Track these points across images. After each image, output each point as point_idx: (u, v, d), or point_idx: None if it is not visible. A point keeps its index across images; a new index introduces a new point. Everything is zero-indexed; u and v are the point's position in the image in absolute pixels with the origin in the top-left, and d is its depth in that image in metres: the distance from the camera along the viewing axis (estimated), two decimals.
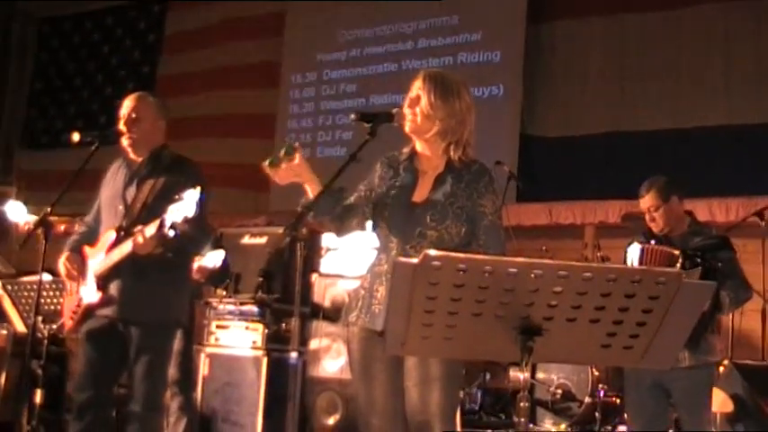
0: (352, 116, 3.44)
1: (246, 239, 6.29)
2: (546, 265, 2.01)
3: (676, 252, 4.23)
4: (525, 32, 8.80)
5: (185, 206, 3.79)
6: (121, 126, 4.31)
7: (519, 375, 2.10)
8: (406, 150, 3.51)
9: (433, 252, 2.01)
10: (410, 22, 9.61)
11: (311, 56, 10.18)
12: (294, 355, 3.48)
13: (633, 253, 4.35)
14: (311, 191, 3.34)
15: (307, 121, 10.12)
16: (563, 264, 2.01)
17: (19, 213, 9.13)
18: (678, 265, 4.16)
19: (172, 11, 11.37)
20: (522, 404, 2.15)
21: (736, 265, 4.38)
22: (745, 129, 7.53)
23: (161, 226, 3.86)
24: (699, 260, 4.15)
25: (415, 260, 2.04)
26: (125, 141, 4.32)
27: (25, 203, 9.60)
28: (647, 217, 4.51)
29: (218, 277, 5.75)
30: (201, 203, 3.84)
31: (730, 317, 5.87)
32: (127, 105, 4.36)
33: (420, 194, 3.38)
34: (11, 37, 12.60)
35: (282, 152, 3.29)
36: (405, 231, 3.31)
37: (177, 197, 3.83)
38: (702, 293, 2.11)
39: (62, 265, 4.33)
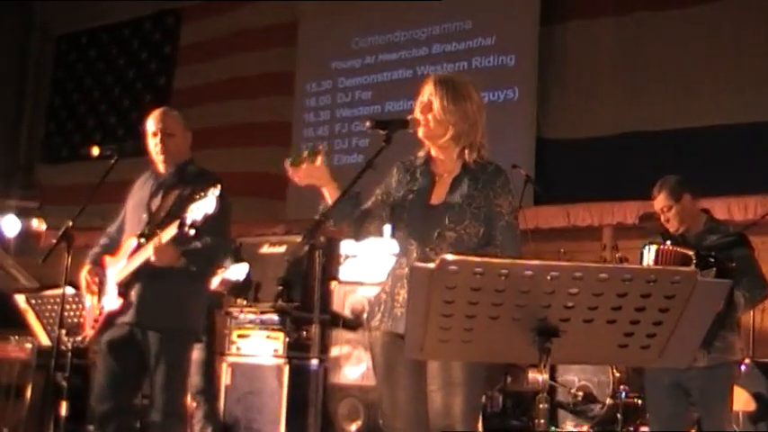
0: (367, 124, 3.46)
1: (265, 249, 6.34)
2: (561, 266, 2.03)
3: (690, 253, 4.24)
4: (539, 35, 8.81)
5: (205, 203, 3.84)
6: (158, 142, 4.34)
7: (538, 377, 2.12)
8: (421, 155, 3.53)
9: (449, 257, 2.04)
10: (423, 27, 9.62)
11: (325, 64, 10.22)
12: (315, 362, 3.51)
13: (648, 254, 4.36)
14: (329, 196, 3.38)
15: (323, 129, 10.16)
16: (578, 265, 2.03)
17: (41, 227, 9.25)
18: (692, 265, 4.17)
19: (186, 22, 11.46)
20: (540, 405, 2.17)
21: (753, 262, 4.36)
22: (761, 126, 7.50)
23: (182, 224, 3.90)
24: (712, 260, 4.15)
25: (432, 265, 2.07)
26: (159, 157, 4.37)
27: (47, 217, 9.72)
28: (662, 217, 4.52)
29: (241, 289, 5.80)
30: (222, 205, 3.88)
31: (751, 315, 5.86)
32: (156, 122, 4.40)
33: (437, 197, 3.41)
34: (28, 53, 12.74)
35: (306, 153, 3.36)
36: (424, 233, 3.34)
37: (198, 196, 3.87)
38: (717, 292, 2.13)
39: (83, 278, 4.39)
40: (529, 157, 8.61)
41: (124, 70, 11.83)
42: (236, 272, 5.44)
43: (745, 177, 7.34)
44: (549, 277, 2.04)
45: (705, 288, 2.06)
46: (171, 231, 3.98)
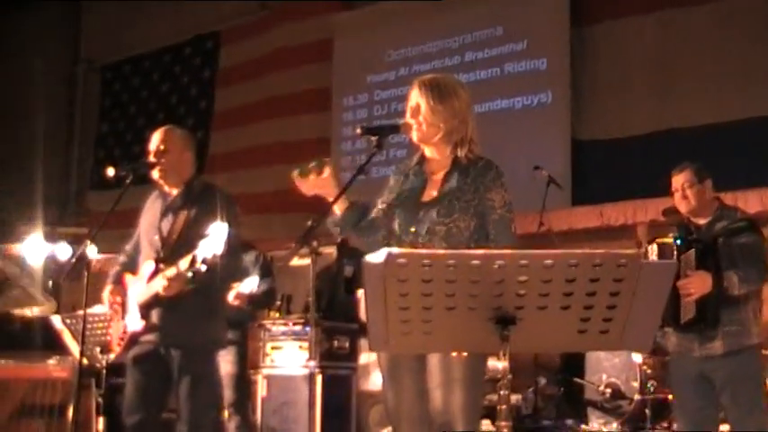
0: (358, 130, 3.54)
1: (295, 261, 6.41)
2: (506, 255, 2.08)
3: (669, 240, 4.39)
4: (570, 36, 8.81)
5: (214, 243, 3.94)
6: (151, 158, 4.49)
7: (497, 365, 2.16)
8: (415, 157, 3.60)
9: (395, 250, 2.10)
10: (455, 36, 9.68)
11: (361, 78, 10.34)
12: (312, 363, 3.60)
13: (652, 253, 4.44)
14: (338, 208, 3.47)
15: (360, 143, 10.23)
16: (522, 253, 2.08)
17: (93, 253, 9.47)
18: (674, 250, 4.25)
19: (225, 44, 11.68)
20: (502, 392, 2.21)
21: (757, 249, 4.32)
22: None
23: (193, 262, 4.01)
24: (693, 243, 4.20)
25: (380, 259, 2.13)
26: (155, 173, 4.50)
27: (97, 243, 9.93)
28: (679, 195, 4.53)
29: (262, 301, 5.90)
30: (230, 238, 3.99)
31: None
32: (155, 138, 4.57)
33: (428, 195, 3.47)
34: (76, 83, 13.12)
35: (313, 164, 3.45)
36: (415, 231, 3.39)
37: (206, 233, 3.97)
38: (665, 272, 2.15)
39: (105, 297, 4.54)
40: (565, 159, 8.62)
41: (167, 96, 12.10)
42: (248, 285, 5.53)
43: None
44: (495, 266, 2.09)
45: (651, 269, 2.10)
46: (183, 264, 4.08)
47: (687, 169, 4.54)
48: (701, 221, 4.49)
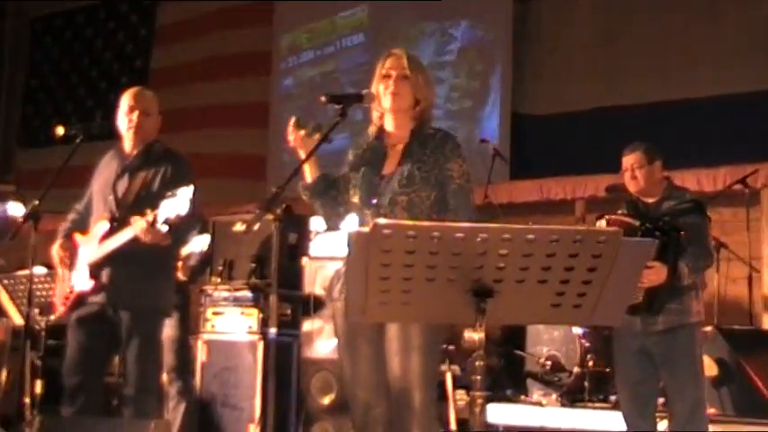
0: (323, 98, 3.55)
1: (238, 226, 6.33)
2: (490, 228, 2.10)
3: (636, 223, 4.32)
4: (513, 11, 8.86)
5: (179, 203, 3.89)
6: (133, 119, 4.37)
7: (473, 336, 2.19)
8: (372, 129, 3.62)
9: (382, 221, 2.11)
10: (399, 5, 9.66)
11: (302, 43, 10.26)
12: (273, 330, 3.64)
13: (601, 227, 4.45)
14: (310, 173, 3.56)
15: (299, 107, 10.16)
16: (506, 227, 2.10)
17: (18, 212, 9.26)
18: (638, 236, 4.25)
19: (162, 3, 11.44)
20: (477, 363, 2.24)
21: (703, 231, 4.41)
22: (731, 98, 7.55)
23: (154, 221, 3.96)
24: (657, 233, 4.19)
25: (366, 229, 2.13)
26: (130, 134, 4.39)
27: (25, 201, 9.71)
28: (628, 175, 4.54)
29: (200, 271, 5.90)
30: (194, 201, 3.95)
31: (716, 283, 5.95)
32: (134, 99, 4.42)
33: (389, 167, 3.52)
34: (4, 36, 12.69)
35: (312, 124, 3.59)
36: (377, 202, 3.44)
37: (170, 193, 3.92)
38: (643, 250, 2.20)
39: (55, 252, 4.43)
40: (504, 133, 8.70)
41: (101, 52, 11.80)
42: (198, 244, 5.47)
43: (715, 149, 7.40)
44: (478, 239, 2.11)
45: (630, 247, 2.14)
46: (147, 221, 4.01)
47: (637, 150, 4.55)
48: (650, 200, 4.56)
